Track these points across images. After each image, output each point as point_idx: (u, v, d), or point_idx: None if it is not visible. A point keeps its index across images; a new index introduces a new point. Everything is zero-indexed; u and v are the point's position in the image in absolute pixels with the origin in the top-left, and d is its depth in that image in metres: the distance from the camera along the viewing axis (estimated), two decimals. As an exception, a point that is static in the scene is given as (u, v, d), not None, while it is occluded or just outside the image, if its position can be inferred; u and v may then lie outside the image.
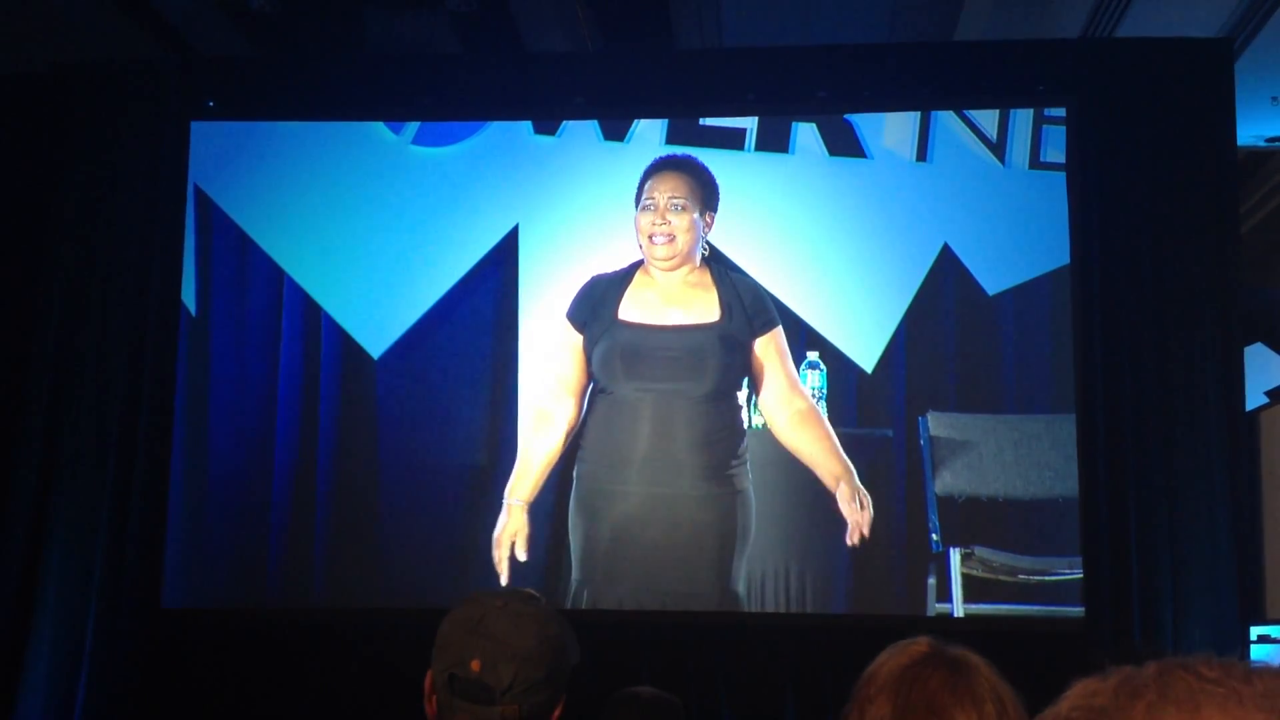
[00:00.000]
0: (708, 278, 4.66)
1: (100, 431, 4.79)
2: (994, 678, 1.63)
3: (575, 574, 4.61)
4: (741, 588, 4.56)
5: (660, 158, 4.74)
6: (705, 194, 4.67)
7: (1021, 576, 4.55)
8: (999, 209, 4.78)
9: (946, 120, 4.83)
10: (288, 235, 4.96)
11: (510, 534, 4.62)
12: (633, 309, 4.64)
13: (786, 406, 4.58)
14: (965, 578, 4.55)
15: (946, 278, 4.75)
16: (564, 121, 4.95)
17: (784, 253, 4.81)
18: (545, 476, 4.65)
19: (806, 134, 4.87)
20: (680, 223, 4.62)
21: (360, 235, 4.93)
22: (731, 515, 4.54)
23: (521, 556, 4.61)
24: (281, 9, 5.06)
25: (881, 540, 4.64)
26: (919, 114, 4.84)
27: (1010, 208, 4.77)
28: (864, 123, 4.86)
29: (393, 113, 5.01)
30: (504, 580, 4.58)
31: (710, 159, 4.85)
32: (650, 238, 4.63)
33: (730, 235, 4.82)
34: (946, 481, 4.63)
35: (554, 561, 4.67)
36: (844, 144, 4.86)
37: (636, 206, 4.70)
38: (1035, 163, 4.79)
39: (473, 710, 1.66)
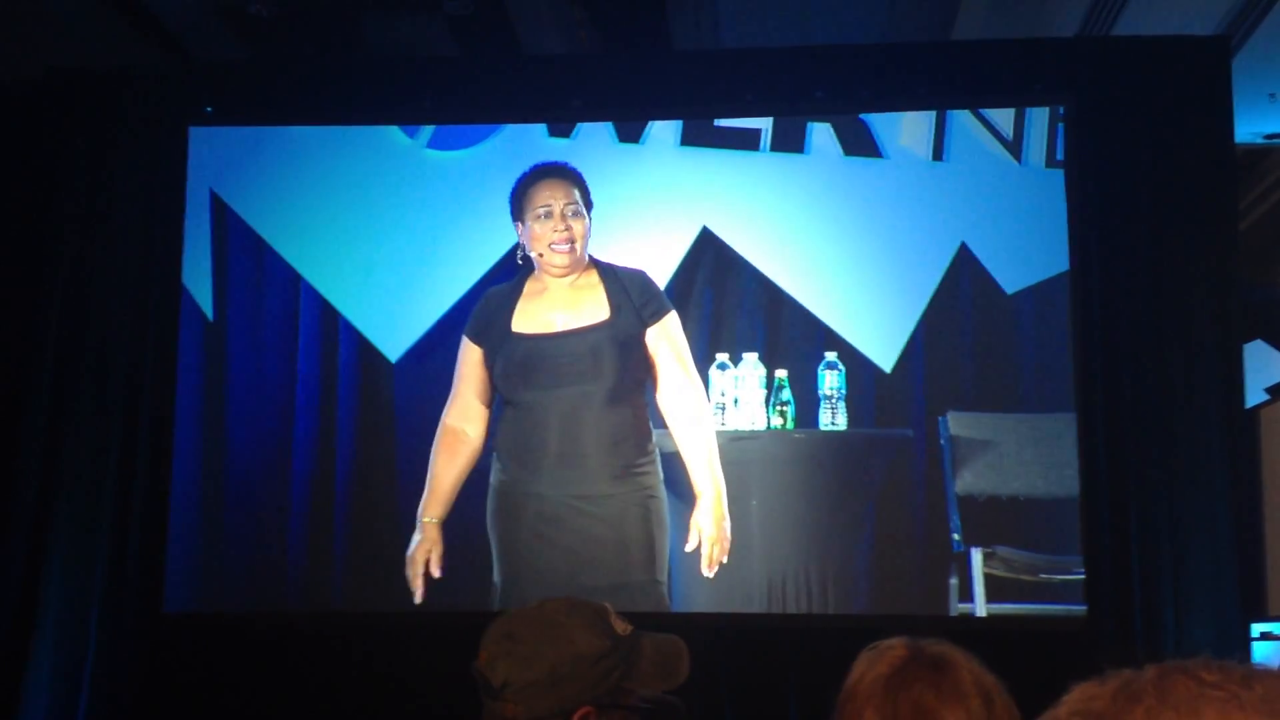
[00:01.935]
0: (594, 277, 4.63)
1: (101, 436, 4.78)
2: (977, 671, 1.61)
3: (497, 577, 4.59)
4: (665, 579, 4.55)
5: (539, 165, 4.69)
6: (588, 199, 4.67)
7: (1044, 575, 4.54)
8: (1016, 207, 4.76)
9: (962, 119, 4.82)
10: (304, 240, 4.94)
11: (424, 551, 4.60)
12: (525, 320, 4.62)
13: (677, 398, 4.56)
14: (987, 577, 4.53)
15: (964, 277, 4.74)
16: (578, 124, 4.94)
17: (800, 253, 4.80)
18: (456, 493, 4.63)
19: (822, 134, 4.86)
20: (579, 229, 4.60)
21: (376, 239, 4.92)
22: (647, 512, 4.53)
23: (435, 573, 4.59)
24: (279, 13, 5.05)
25: (903, 540, 4.64)
26: (934, 113, 4.82)
27: (1027, 206, 4.76)
28: (879, 122, 4.85)
29: (391, 116, 5.01)
30: (417, 598, 4.58)
31: (725, 159, 4.86)
32: (551, 245, 4.58)
33: (746, 236, 4.82)
34: (967, 481, 4.62)
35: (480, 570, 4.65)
36: (859, 144, 4.85)
37: (519, 215, 4.63)
38: (1052, 161, 4.77)
39: (487, 705, 1.68)
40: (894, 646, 1.66)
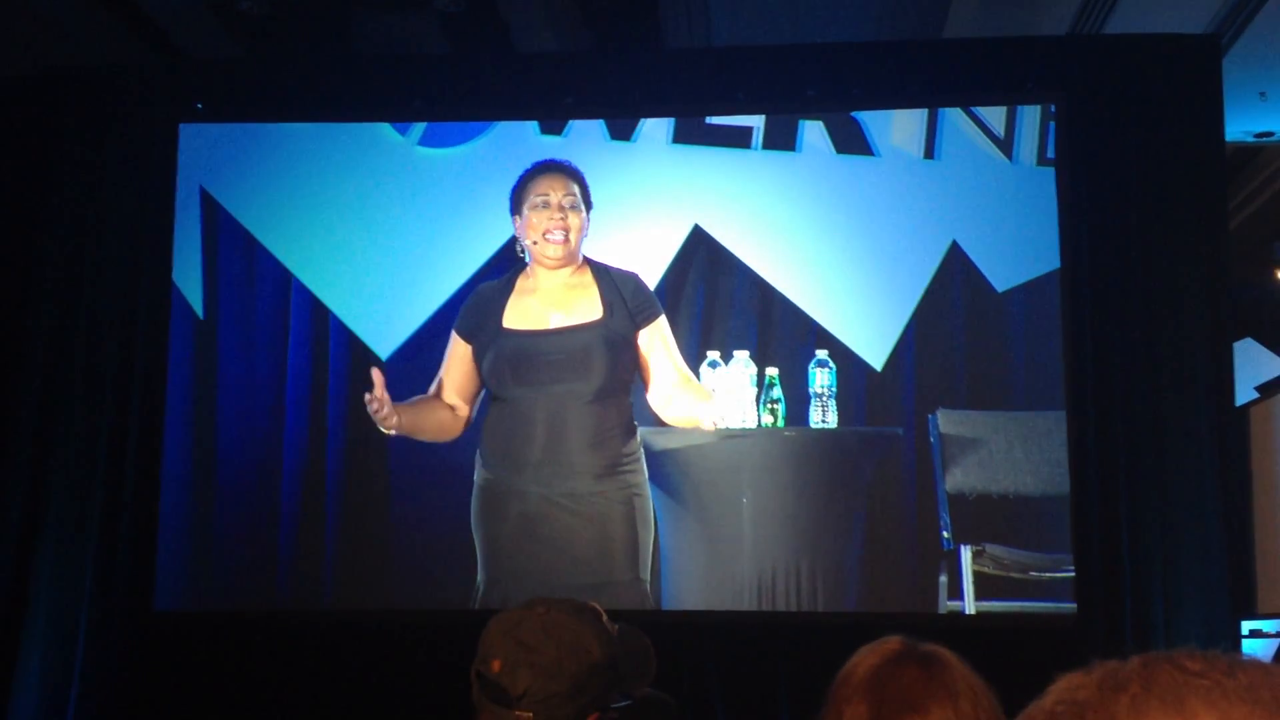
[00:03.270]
0: (588, 276, 4.66)
1: (91, 433, 4.78)
2: (967, 672, 1.64)
3: (481, 574, 4.60)
4: (648, 577, 4.56)
5: (542, 161, 4.72)
6: (588, 198, 4.68)
7: (1033, 573, 4.55)
8: (1007, 205, 4.77)
9: (954, 117, 4.83)
10: (295, 237, 4.94)
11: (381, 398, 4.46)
12: (516, 316, 4.63)
13: (679, 393, 4.59)
14: (977, 575, 4.54)
15: (955, 275, 4.75)
16: (570, 121, 4.94)
17: (792, 251, 4.81)
18: (423, 417, 4.57)
19: (814, 132, 4.87)
20: (574, 221, 4.62)
21: (367, 237, 4.92)
22: (630, 511, 4.54)
23: (379, 404, 4.43)
24: (269, 10, 5.04)
25: (893, 538, 4.65)
26: (926, 111, 4.83)
27: (1018, 204, 4.77)
28: (871, 120, 4.85)
29: (382, 113, 5.01)
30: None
31: (717, 157, 4.86)
32: (545, 234, 4.60)
33: (737, 234, 4.82)
34: (957, 479, 4.63)
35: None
36: (851, 142, 4.85)
37: (518, 208, 4.65)
38: (1043, 159, 4.78)
39: (494, 710, 1.68)
40: (889, 641, 1.70)
